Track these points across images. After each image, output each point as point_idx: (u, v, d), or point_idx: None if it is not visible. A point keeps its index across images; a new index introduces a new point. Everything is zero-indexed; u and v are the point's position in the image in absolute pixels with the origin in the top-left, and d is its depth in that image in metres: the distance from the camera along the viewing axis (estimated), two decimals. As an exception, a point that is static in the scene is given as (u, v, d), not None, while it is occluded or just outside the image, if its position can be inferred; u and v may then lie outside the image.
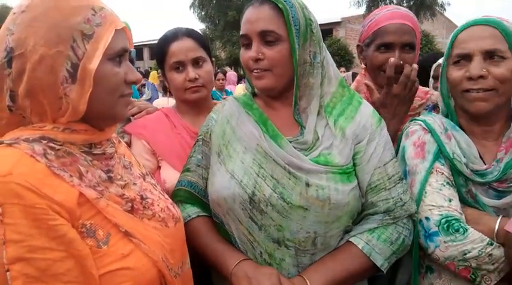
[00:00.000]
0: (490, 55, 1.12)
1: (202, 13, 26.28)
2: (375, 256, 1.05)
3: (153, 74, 6.75)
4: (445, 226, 1.09)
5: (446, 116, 1.27)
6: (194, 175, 1.22)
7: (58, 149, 0.78)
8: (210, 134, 1.21)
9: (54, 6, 0.77)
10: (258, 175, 1.06)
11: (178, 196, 1.23)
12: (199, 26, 25.60)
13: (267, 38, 1.06)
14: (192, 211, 1.19)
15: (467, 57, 1.15)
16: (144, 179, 0.99)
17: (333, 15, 27.47)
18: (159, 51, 1.54)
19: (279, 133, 1.11)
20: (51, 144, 0.77)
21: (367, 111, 1.15)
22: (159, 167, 1.48)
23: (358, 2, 25.72)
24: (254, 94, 1.22)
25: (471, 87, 1.14)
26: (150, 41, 30.90)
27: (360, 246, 1.05)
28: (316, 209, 1.02)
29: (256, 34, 1.07)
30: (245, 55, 1.10)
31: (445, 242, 1.08)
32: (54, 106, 0.79)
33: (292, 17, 1.05)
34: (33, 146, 0.75)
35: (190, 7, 26.70)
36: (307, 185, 1.02)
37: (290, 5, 1.05)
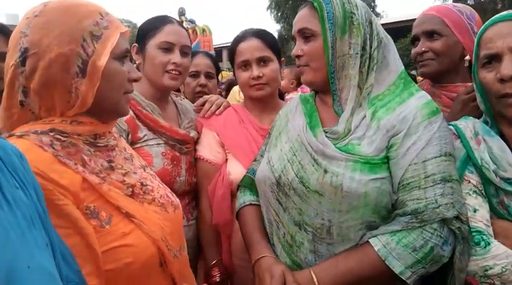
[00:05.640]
0: None
1: (278, 14, 26.48)
2: (392, 261, 0.98)
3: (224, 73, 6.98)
4: None
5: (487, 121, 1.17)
6: (257, 164, 1.32)
7: (64, 141, 0.86)
8: (273, 127, 1.34)
9: (66, 11, 0.87)
10: (289, 161, 1.14)
11: (243, 181, 1.37)
12: (275, 27, 25.87)
13: (304, 35, 1.16)
14: (247, 198, 1.31)
15: (496, 57, 1.05)
16: (144, 170, 1.07)
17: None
18: (230, 50, 1.67)
19: (319, 123, 1.16)
20: (57, 136, 0.86)
21: (415, 103, 1.07)
22: (227, 160, 1.58)
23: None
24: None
25: (506, 90, 1.03)
26: (229, 43, 32.08)
27: (376, 249, 0.99)
28: (330, 196, 1.03)
29: (296, 33, 1.18)
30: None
31: None
32: (63, 100, 0.87)
33: (327, 13, 1.10)
34: (41, 138, 0.83)
35: (268, 8, 27.08)
36: (325, 171, 1.05)
37: (327, 2, 1.12)
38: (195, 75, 2.17)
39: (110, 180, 0.89)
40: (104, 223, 0.84)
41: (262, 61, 1.57)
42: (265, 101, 1.63)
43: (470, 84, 1.42)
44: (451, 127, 1.17)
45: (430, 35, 1.46)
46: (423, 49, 1.47)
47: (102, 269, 0.81)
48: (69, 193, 0.80)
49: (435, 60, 1.46)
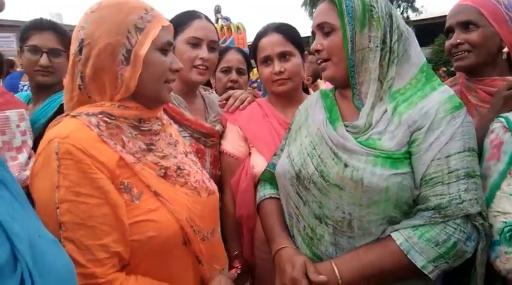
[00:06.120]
0: None
1: (313, 10, 26.16)
2: (414, 255, 0.97)
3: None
4: (507, 235, 0.97)
5: None
6: (277, 158, 1.33)
7: (109, 123, 0.96)
8: (294, 122, 1.34)
9: (116, 7, 0.99)
10: (308, 155, 1.14)
11: (263, 175, 1.38)
12: (310, 23, 25.62)
13: (324, 29, 1.15)
14: (267, 192, 1.33)
15: None
16: (186, 156, 1.15)
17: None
18: (252, 46, 1.67)
19: (339, 117, 1.16)
20: (105, 118, 0.96)
21: (438, 98, 1.05)
22: (250, 153, 1.61)
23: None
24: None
25: None
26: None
27: (398, 242, 0.99)
28: (350, 190, 1.03)
29: (316, 27, 1.17)
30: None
31: (506, 253, 0.97)
32: (112, 85, 0.98)
33: (346, 6, 1.09)
34: (90, 119, 0.94)
35: (302, 5, 26.88)
36: (346, 165, 1.05)
37: None
38: (227, 70, 2.18)
39: (144, 161, 0.98)
40: (134, 198, 0.93)
41: (284, 56, 1.57)
42: (289, 96, 1.63)
43: (509, 77, 1.35)
44: (501, 119, 1.11)
45: (466, 25, 1.38)
46: (458, 41, 1.39)
47: (127, 239, 0.90)
48: (106, 168, 0.90)
49: (472, 52, 1.39)
